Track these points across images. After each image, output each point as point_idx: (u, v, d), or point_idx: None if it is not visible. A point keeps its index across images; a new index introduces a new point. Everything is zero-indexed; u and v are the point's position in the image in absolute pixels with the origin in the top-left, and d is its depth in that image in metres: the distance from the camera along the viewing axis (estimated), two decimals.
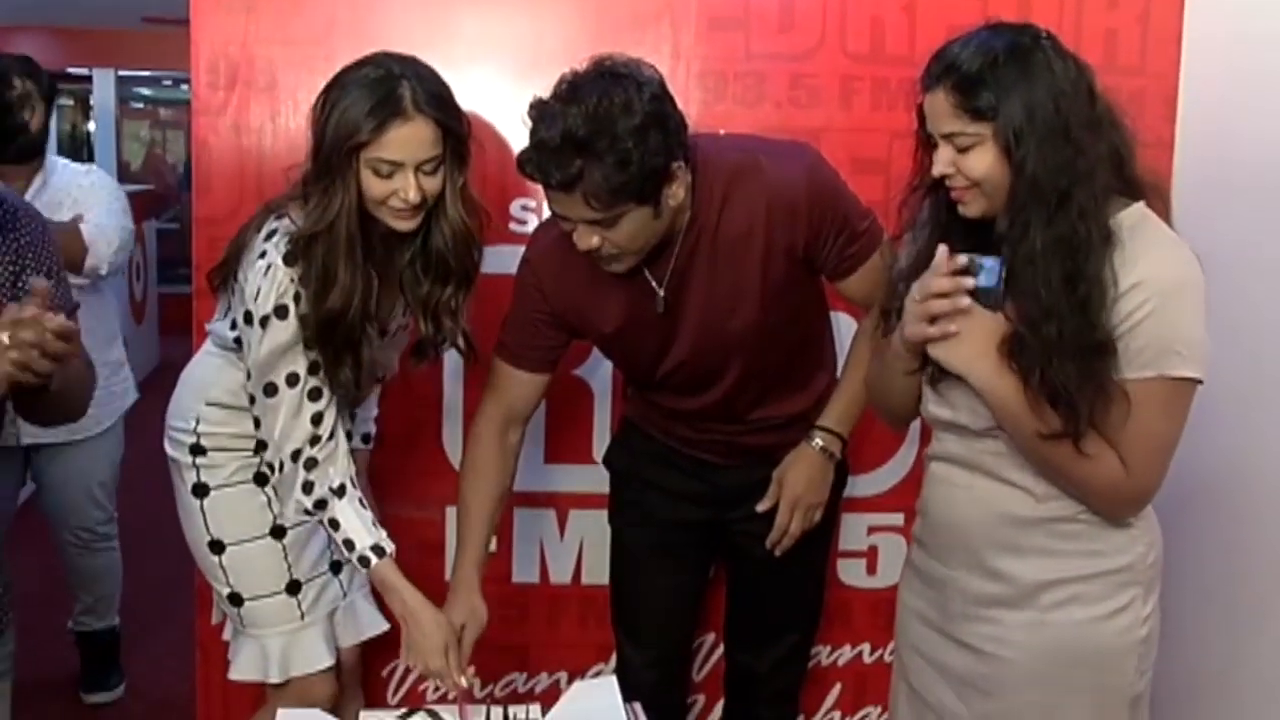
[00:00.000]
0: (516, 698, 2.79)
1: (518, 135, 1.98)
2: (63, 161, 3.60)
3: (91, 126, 10.86)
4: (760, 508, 2.35)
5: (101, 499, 3.60)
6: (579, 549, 2.80)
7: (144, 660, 3.88)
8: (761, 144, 2.21)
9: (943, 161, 1.80)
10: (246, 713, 2.56)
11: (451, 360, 2.64)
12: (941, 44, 1.81)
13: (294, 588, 2.36)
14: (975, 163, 1.76)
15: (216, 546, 2.32)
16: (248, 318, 2.14)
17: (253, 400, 2.20)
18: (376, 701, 2.67)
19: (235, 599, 2.35)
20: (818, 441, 2.33)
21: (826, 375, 2.39)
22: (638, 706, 2.15)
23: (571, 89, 1.93)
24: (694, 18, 2.61)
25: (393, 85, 2.06)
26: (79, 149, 10.78)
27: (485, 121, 2.58)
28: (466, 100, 2.56)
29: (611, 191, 1.92)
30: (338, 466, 2.21)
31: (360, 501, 2.23)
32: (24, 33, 8.95)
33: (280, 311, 2.11)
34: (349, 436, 2.32)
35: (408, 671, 2.81)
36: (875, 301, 2.20)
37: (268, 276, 2.11)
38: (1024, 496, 1.87)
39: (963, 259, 1.79)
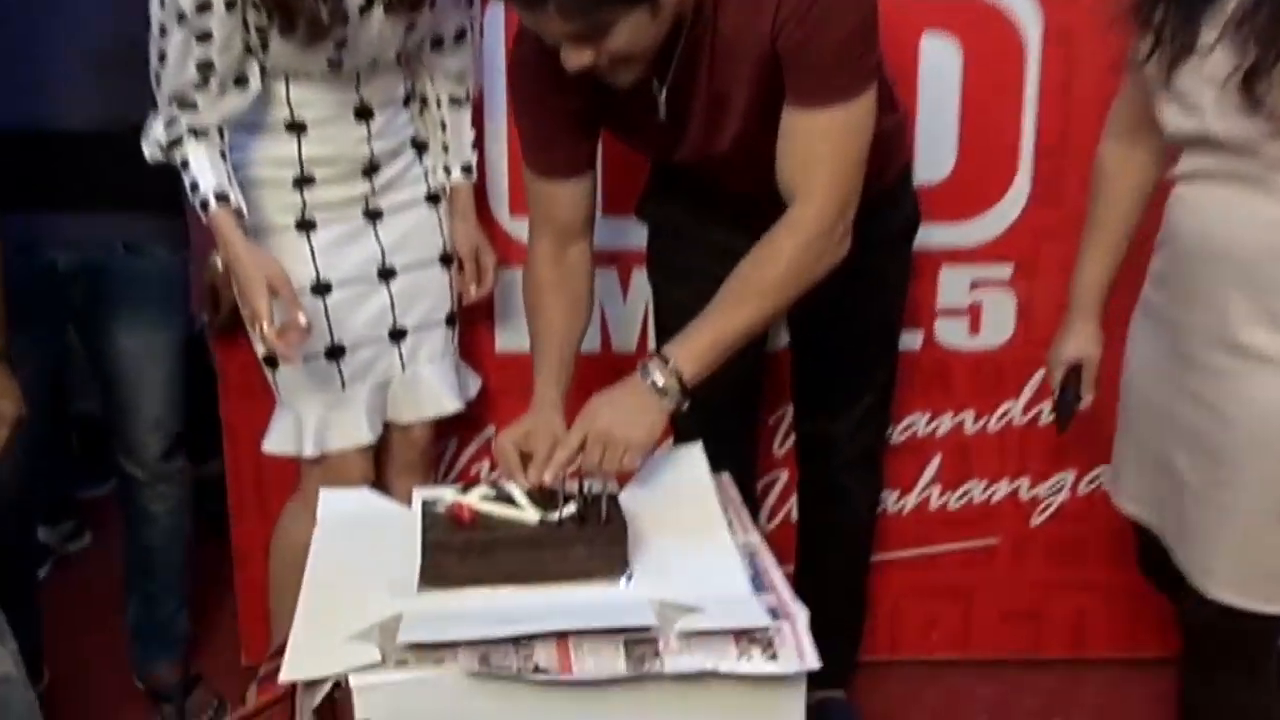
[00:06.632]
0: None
1: None
2: None
3: None
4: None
5: None
6: (644, 313, 2.49)
7: None
8: None
9: None
10: (280, 495, 2.37)
11: None
12: None
13: (335, 353, 2.14)
14: None
15: None
16: None
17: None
18: None
19: (270, 360, 2.12)
20: (655, 378, 1.77)
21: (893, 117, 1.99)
22: (726, 477, 1.90)
23: None
24: None
25: None
26: None
27: None
28: None
29: None
30: (211, 113, 1.97)
31: (221, 154, 2.00)
32: None
33: None
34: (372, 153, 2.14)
35: (458, 453, 2.58)
36: (803, 188, 1.77)
37: None
38: None
39: None
